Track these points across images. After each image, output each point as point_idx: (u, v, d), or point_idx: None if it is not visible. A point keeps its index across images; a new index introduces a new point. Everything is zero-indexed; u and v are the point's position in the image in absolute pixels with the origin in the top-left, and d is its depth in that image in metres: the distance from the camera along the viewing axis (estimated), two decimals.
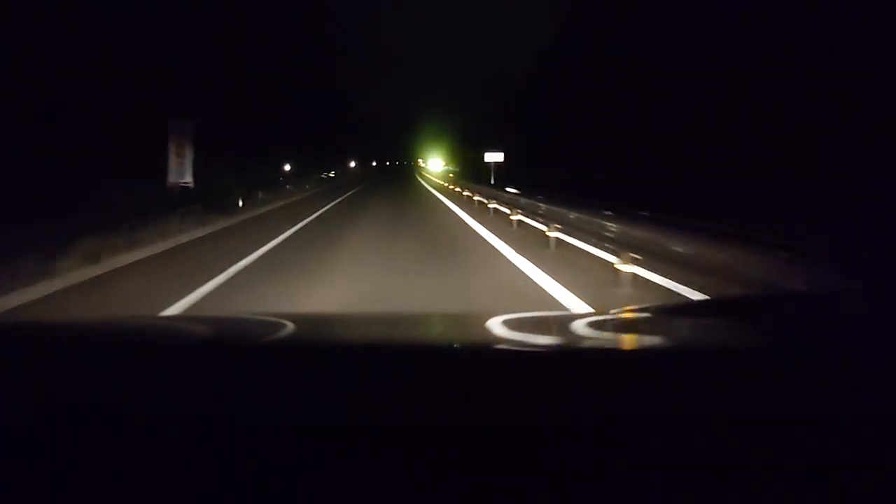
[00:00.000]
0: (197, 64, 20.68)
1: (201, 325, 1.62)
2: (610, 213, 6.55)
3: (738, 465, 0.67)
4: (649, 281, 5.36)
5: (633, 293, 5.46)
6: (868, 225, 8.15)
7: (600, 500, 0.66)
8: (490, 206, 14.31)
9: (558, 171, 27.28)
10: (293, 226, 12.52)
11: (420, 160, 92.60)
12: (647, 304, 3.06)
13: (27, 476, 0.69)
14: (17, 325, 2.10)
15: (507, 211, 11.94)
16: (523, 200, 11.22)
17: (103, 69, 15.58)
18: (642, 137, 23.65)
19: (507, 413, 0.76)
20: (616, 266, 5.79)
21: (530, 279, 6.52)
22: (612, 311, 1.56)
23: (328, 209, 17.91)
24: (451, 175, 37.80)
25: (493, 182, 22.88)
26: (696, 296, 4.47)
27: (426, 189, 32.67)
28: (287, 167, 32.96)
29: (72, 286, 6.58)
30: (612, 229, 6.19)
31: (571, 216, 8.01)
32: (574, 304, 5.34)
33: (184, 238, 10.76)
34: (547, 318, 1.88)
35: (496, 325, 1.28)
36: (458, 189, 22.90)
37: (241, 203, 17.04)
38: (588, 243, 7.23)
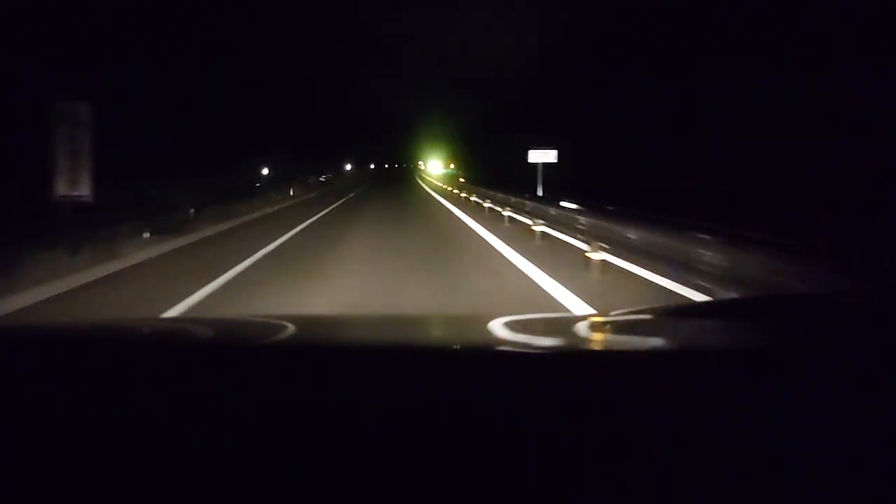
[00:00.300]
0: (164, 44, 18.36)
1: (202, 326, 1.62)
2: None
3: (740, 466, 0.67)
4: None
5: None
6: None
7: (601, 500, 0.66)
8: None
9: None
10: (213, 279, 6.64)
11: (420, 163, 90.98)
12: (649, 306, 3.05)
13: (28, 476, 0.69)
14: (18, 327, 2.10)
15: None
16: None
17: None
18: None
19: (508, 414, 0.76)
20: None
21: None
22: (613, 313, 1.56)
23: (292, 236, 11.30)
24: (461, 179, 30.16)
25: (541, 194, 15.28)
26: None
27: (436, 202, 22.83)
28: (265, 171, 26.52)
29: None
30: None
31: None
32: None
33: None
34: (548, 319, 1.88)
35: (498, 327, 1.28)
36: (488, 205, 14.98)
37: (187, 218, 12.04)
38: None
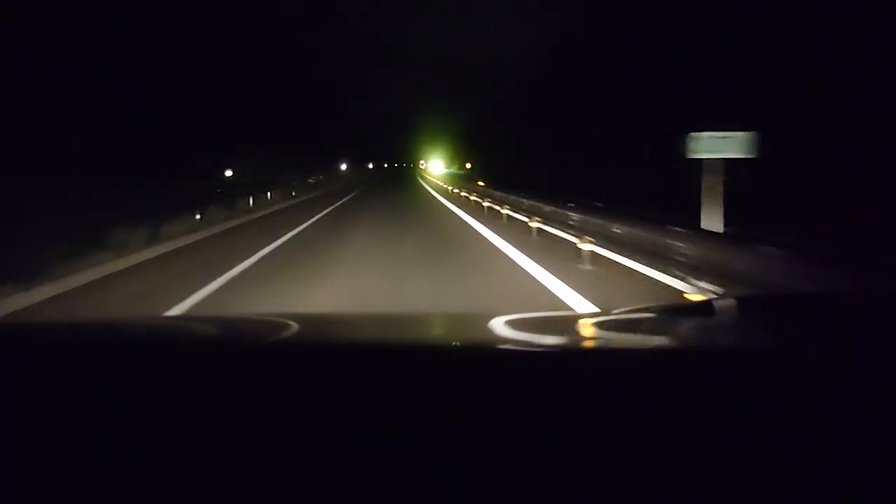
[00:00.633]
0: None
1: (204, 325, 1.63)
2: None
3: (741, 465, 0.67)
4: None
5: None
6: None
7: (603, 499, 0.66)
8: None
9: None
10: None
11: (421, 162, 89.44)
12: (650, 305, 3.05)
13: (29, 476, 0.69)
14: (18, 325, 2.10)
15: None
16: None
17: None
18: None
19: (509, 413, 0.76)
20: None
21: None
22: (615, 312, 1.57)
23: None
24: (479, 183, 21.53)
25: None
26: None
27: (450, 214, 15.60)
28: (229, 173, 21.97)
29: None
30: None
31: None
32: None
33: None
34: (549, 318, 1.88)
35: (499, 326, 1.28)
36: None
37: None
38: None
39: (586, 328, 1.34)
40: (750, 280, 3.98)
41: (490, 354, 1.02)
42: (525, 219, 10.49)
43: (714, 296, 4.28)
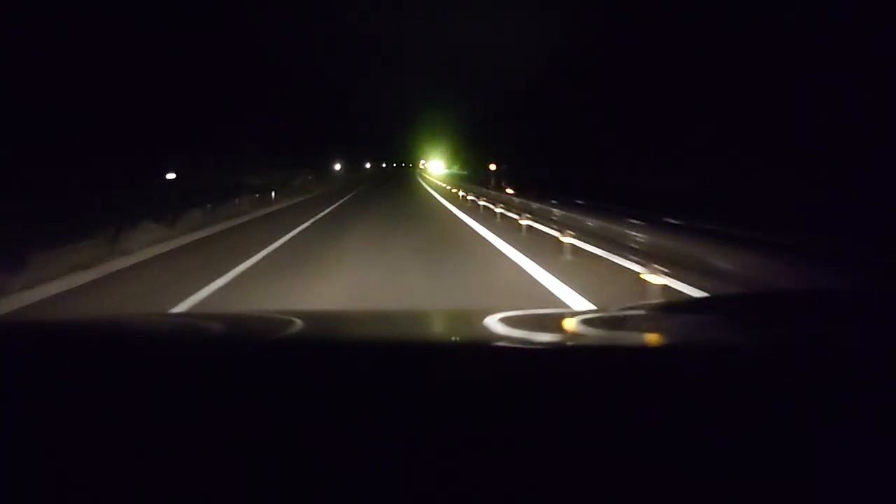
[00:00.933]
0: None
1: (205, 321, 1.63)
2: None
3: (735, 462, 0.67)
4: None
5: None
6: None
7: (600, 496, 0.66)
8: None
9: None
10: None
11: (421, 161, 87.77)
12: (647, 302, 3.06)
13: (30, 475, 0.70)
14: (19, 323, 2.11)
15: None
16: None
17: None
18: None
19: (505, 409, 0.76)
20: None
21: None
22: (612, 309, 1.57)
23: None
24: (508, 190, 14.95)
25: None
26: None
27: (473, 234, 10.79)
28: (171, 175, 15.43)
29: None
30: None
31: None
32: None
33: None
34: (546, 315, 1.88)
35: (495, 323, 1.28)
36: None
37: None
38: None
39: (581, 325, 1.34)
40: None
41: (486, 351, 1.02)
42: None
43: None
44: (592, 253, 7.13)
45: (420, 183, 41.99)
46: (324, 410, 0.78)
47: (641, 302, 3.11)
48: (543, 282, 6.06)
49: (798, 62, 12.91)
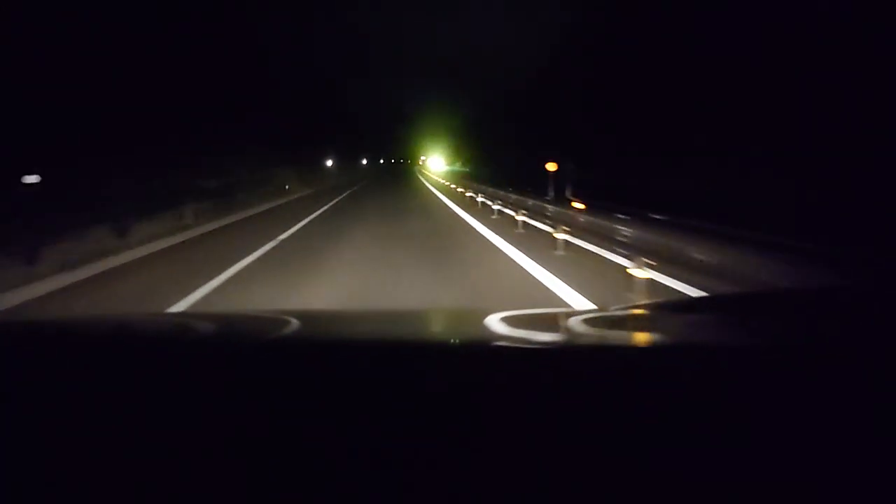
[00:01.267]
0: None
1: (203, 321, 1.63)
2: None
3: (735, 462, 0.67)
4: None
5: None
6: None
7: (600, 496, 0.66)
8: None
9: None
10: None
11: (422, 158, 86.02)
12: (647, 301, 3.06)
13: (30, 474, 0.70)
14: (19, 322, 2.11)
15: None
16: None
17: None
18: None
19: (506, 409, 0.76)
20: None
21: None
22: (612, 308, 1.57)
23: None
24: (576, 204, 8.26)
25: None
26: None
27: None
28: (31, 179, 9.59)
29: None
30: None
31: None
32: None
33: None
34: (546, 314, 1.88)
35: (495, 322, 1.28)
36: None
37: None
38: None
39: (581, 325, 1.34)
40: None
41: (486, 350, 1.02)
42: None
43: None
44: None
45: (422, 183, 35.48)
46: (324, 410, 0.78)
47: (641, 301, 3.12)
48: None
49: (798, 62, 12.93)
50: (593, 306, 5.00)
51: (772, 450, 0.68)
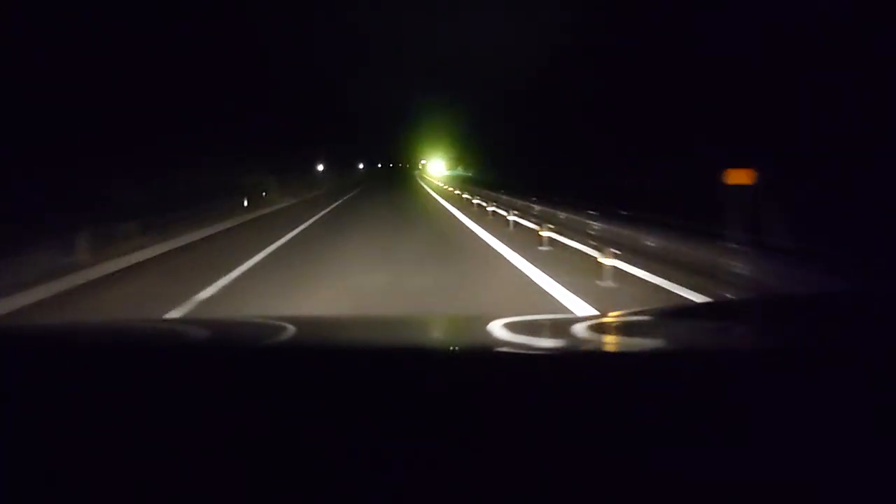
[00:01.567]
0: None
1: (202, 328, 1.63)
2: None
3: (740, 468, 0.67)
4: None
5: None
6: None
7: (600, 500, 0.66)
8: None
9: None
10: None
11: (422, 161, 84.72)
12: (649, 308, 3.06)
13: (29, 478, 0.70)
14: (18, 327, 2.10)
15: None
16: None
17: None
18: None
19: (507, 416, 0.76)
20: None
21: None
22: (613, 315, 1.57)
23: None
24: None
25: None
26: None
27: None
28: None
29: None
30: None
31: None
32: None
33: None
34: (548, 321, 1.88)
35: (497, 328, 1.28)
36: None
37: None
38: None
39: (584, 331, 1.34)
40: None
41: (488, 357, 1.02)
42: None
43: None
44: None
45: (428, 193, 28.80)
46: (324, 411, 0.78)
47: (643, 307, 3.12)
48: None
49: (798, 62, 12.94)
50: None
51: (772, 453, 0.69)
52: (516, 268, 7.30)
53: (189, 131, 16.42)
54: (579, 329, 1.36)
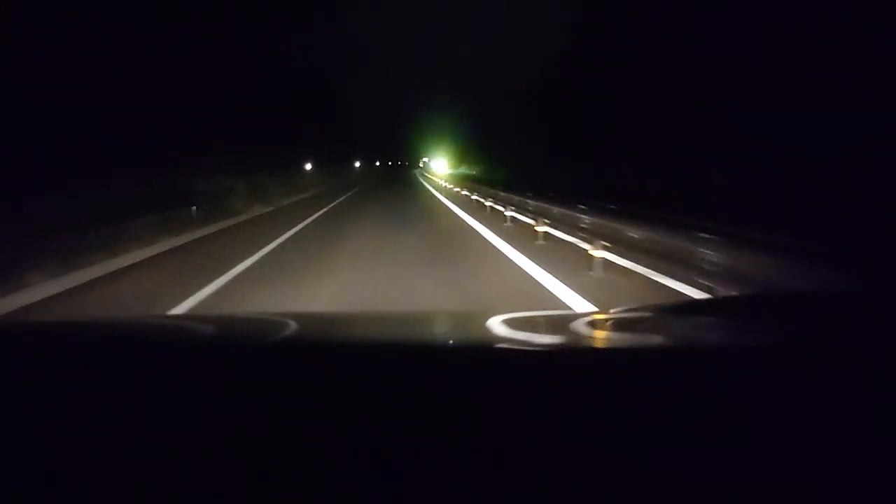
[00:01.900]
0: None
1: (204, 324, 1.63)
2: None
3: (739, 464, 0.67)
4: None
5: None
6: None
7: (602, 499, 0.66)
8: None
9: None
10: None
11: (424, 159, 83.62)
12: (649, 304, 3.05)
13: (29, 476, 0.70)
14: (19, 324, 2.11)
15: None
16: None
17: None
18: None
19: (508, 411, 0.76)
20: None
21: None
22: (613, 311, 1.57)
23: None
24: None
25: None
26: None
27: None
28: None
29: None
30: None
31: None
32: None
33: None
34: (547, 317, 1.88)
35: (497, 324, 1.28)
36: None
37: None
38: None
39: (584, 327, 1.34)
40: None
41: (488, 352, 1.02)
42: None
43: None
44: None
45: (435, 197, 23.69)
46: (324, 410, 0.78)
47: (644, 304, 3.12)
48: None
49: (798, 62, 12.94)
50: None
51: (771, 450, 0.68)
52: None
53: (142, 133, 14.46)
54: (579, 325, 1.36)
